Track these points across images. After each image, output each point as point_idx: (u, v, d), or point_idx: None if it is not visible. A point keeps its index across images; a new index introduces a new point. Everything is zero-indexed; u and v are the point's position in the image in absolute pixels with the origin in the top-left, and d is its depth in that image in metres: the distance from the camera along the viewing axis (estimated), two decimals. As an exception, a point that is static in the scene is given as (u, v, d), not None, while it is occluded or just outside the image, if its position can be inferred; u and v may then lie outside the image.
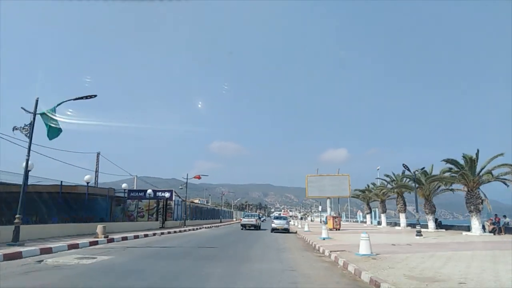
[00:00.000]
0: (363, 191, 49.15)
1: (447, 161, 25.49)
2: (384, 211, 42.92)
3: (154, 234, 20.90)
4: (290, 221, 30.19)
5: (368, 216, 50.17)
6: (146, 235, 19.69)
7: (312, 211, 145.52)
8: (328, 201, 33.46)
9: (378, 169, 45.64)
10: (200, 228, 31.90)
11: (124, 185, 27.72)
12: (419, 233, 20.39)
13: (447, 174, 26.67)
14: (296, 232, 28.13)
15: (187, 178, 37.25)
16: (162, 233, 22.20)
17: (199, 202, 55.62)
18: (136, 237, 18.30)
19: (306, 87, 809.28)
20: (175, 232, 24.86)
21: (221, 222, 54.37)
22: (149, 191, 30.43)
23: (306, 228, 28.63)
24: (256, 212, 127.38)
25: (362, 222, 59.38)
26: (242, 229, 31.26)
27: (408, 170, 24.09)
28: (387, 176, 39.56)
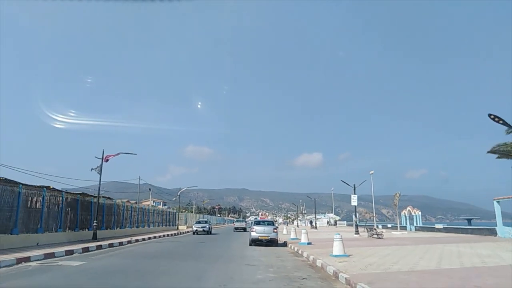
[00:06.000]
0: None
1: None
2: None
3: None
4: (277, 227, 21.48)
5: None
6: None
7: (300, 213, 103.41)
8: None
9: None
10: None
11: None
12: None
13: None
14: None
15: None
16: None
17: (153, 203, 49.14)
18: None
19: (283, 92, 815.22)
20: None
21: (95, 239, 19.02)
22: None
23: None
24: (228, 216, 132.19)
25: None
26: (234, 231, 40.23)
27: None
28: None
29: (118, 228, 25.35)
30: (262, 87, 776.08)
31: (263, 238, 18.95)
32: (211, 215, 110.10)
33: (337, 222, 72.29)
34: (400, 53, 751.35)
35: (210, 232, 33.28)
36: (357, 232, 28.03)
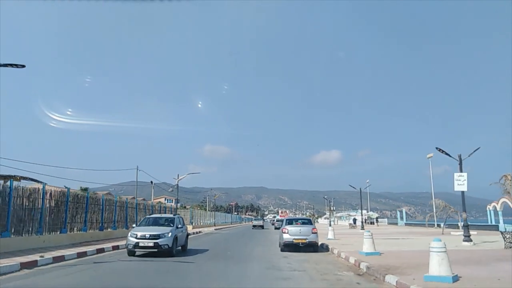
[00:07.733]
0: None
1: None
2: None
3: None
4: (315, 226, 16.39)
5: None
6: None
7: (329, 210, 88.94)
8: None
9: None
10: None
11: None
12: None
13: None
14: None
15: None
16: None
17: (166, 201, 41.89)
18: None
19: (300, 89, 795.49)
20: None
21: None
22: None
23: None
24: (246, 215, 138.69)
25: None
26: (253, 228, 42.93)
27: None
28: None
29: (55, 233, 14.71)
30: (275, 86, 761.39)
31: (300, 241, 14.91)
32: (228, 213, 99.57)
33: (378, 219, 60.47)
34: (416, 53, 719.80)
35: (184, 248, 14.51)
36: (467, 237, 16.11)
